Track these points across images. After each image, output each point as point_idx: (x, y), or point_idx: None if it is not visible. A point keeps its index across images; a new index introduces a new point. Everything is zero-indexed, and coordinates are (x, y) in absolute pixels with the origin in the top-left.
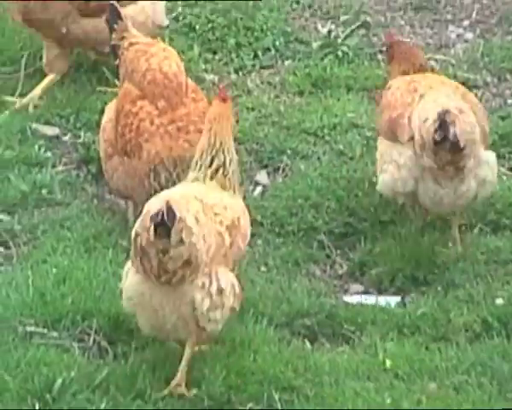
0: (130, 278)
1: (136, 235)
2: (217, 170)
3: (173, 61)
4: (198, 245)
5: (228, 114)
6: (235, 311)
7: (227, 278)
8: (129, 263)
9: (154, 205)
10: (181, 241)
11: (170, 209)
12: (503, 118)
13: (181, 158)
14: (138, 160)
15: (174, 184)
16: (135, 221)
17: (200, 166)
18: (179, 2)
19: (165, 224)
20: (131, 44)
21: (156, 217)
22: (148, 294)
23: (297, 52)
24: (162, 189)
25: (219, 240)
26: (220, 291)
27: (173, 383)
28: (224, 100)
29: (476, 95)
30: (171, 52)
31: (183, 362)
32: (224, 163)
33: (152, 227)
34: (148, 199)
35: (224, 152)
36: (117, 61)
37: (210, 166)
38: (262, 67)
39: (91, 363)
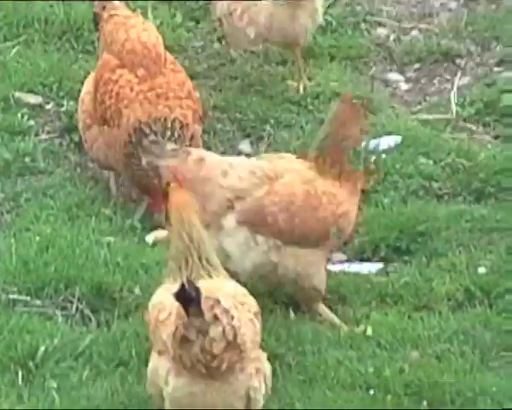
0: (175, 383)
1: (176, 329)
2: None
3: (152, 34)
4: (240, 327)
5: (189, 201)
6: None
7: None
8: (162, 366)
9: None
10: (216, 317)
11: (190, 283)
12: (488, 85)
13: (161, 119)
14: (118, 128)
15: (156, 144)
16: (117, 190)
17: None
18: None
19: (192, 299)
20: (111, 16)
21: (179, 292)
22: (200, 393)
23: None
24: (144, 154)
25: (251, 326)
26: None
27: None
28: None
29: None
30: (150, 25)
31: None
32: (200, 258)
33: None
34: (128, 170)
35: (199, 248)
36: (97, 34)
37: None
38: None
39: (74, 331)
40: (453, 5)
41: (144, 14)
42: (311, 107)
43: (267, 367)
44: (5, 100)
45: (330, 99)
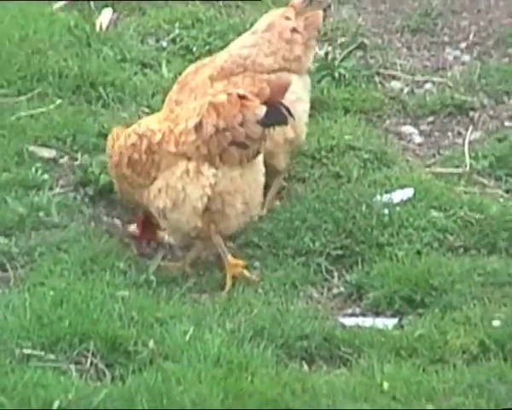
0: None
1: None
2: None
3: None
4: None
5: None
6: None
7: None
8: None
9: None
10: None
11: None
12: (499, 140)
13: None
14: None
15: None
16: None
17: None
18: (176, 25)
19: None
20: None
21: None
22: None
23: None
24: None
25: None
26: None
27: None
28: None
29: (473, 117)
30: None
31: None
32: None
33: None
34: None
35: None
36: None
37: None
38: None
39: (89, 385)
40: (466, 58)
41: (158, 68)
42: (325, 160)
43: None
44: (19, 154)
45: (344, 152)
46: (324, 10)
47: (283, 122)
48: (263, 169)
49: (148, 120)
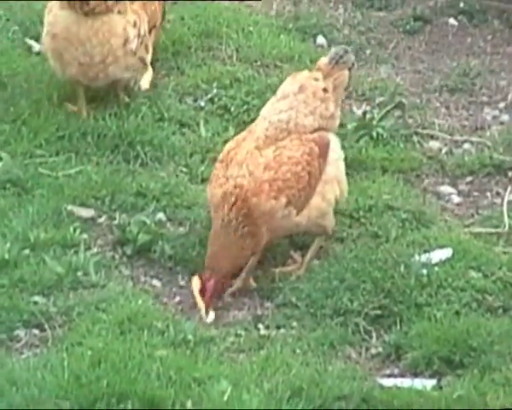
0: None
1: None
2: None
3: None
4: None
5: None
6: None
7: None
8: None
9: None
10: None
11: None
12: None
13: None
14: None
15: None
16: None
17: None
18: (214, 84)
19: None
20: None
21: None
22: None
23: None
24: None
25: None
26: None
27: None
28: None
29: None
30: None
31: None
32: None
33: None
34: None
35: None
36: None
37: None
38: None
39: None
40: (505, 118)
41: (196, 127)
42: (363, 219)
43: None
44: (57, 213)
45: (382, 212)
46: (349, 69)
47: None
48: None
49: None
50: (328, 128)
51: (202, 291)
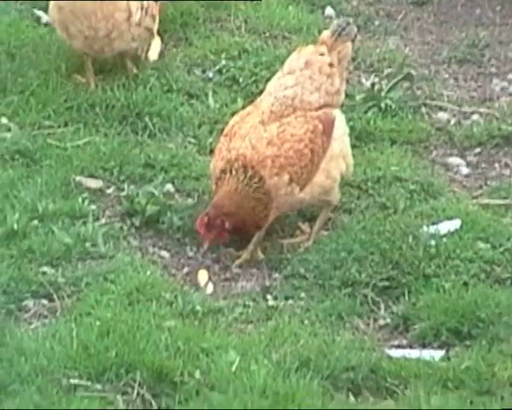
0: None
1: None
2: None
3: None
4: None
5: None
6: None
7: None
8: None
9: None
10: None
11: None
12: None
13: None
14: None
15: None
16: None
17: None
18: (222, 56)
19: None
20: None
21: None
22: None
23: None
24: None
25: None
26: None
27: None
28: None
29: None
30: None
31: None
32: None
33: None
34: None
35: None
36: None
37: None
38: None
39: None
40: None
41: (205, 98)
42: (371, 191)
43: None
44: (66, 184)
45: (391, 183)
46: (352, 41)
47: None
48: None
49: None
50: (333, 104)
51: (206, 225)
